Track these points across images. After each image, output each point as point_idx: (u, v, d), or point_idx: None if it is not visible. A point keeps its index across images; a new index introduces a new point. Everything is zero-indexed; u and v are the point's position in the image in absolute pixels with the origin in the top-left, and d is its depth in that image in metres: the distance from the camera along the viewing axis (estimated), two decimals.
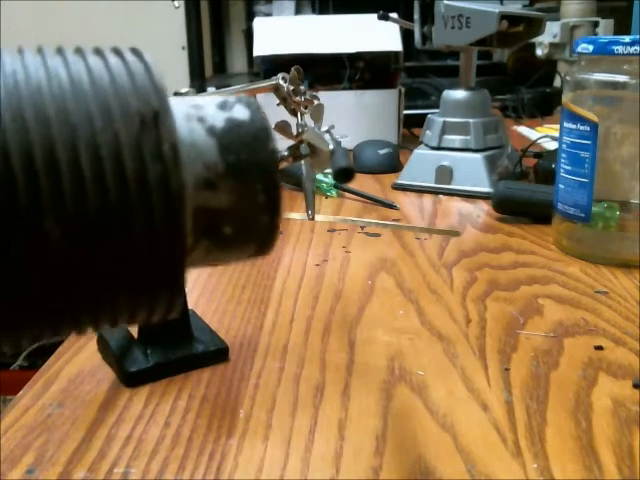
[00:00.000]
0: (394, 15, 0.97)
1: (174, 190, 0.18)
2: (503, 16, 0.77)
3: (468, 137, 0.83)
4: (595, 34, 1.47)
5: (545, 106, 1.51)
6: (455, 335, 0.44)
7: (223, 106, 0.21)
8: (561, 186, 0.60)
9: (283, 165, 0.48)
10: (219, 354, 0.41)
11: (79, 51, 0.20)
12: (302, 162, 0.51)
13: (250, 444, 0.33)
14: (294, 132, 0.52)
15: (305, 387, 0.38)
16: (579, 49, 0.57)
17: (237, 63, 2.55)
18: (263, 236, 0.22)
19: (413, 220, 0.73)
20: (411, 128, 1.23)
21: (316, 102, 0.60)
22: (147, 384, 0.38)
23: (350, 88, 1.14)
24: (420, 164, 0.85)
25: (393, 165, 0.97)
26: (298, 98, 0.61)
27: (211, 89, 1.49)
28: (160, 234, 0.18)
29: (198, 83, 1.82)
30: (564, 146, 0.59)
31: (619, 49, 0.53)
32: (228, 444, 0.33)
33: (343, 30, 1.16)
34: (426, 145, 0.87)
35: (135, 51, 0.20)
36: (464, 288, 0.52)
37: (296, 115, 0.60)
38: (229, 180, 0.20)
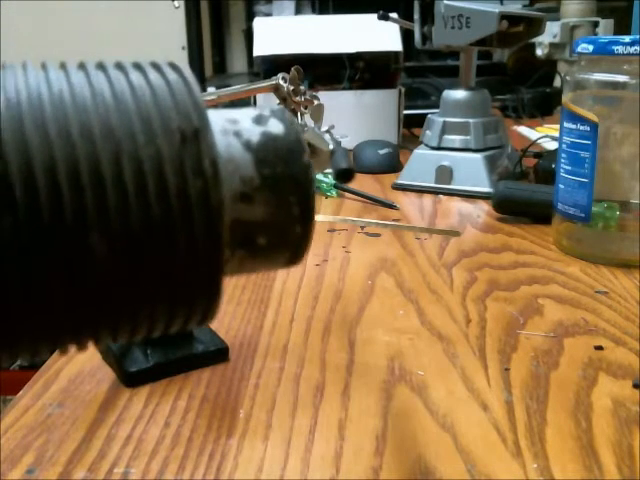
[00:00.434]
0: (394, 15, 0.97)
1: (214, 205, 0.19)
2: (503, 16, 0.77)
3: (468, 137, 0.83)
4: (595, 34, 1.47)
5: (545, 106, 1.51)
6: (455, 335, 0.44)
7: (258, 120, 0.22)
8: (561, 186, 0.60)
9: None
10: (219, 354, 0.41)
11: (120, 67, 0.20)
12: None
13: (250, 444, 0.33)
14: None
15: (305, 387, 0.38)
16: (579, 49, 0.57)
17: (237, 63, 2.55)
18: (296, 246, 0.22)
19: (413, 220, 0.73)
20: (411, 128, 1.23)
21: (316, 102, 0.61)
22: (147, 384, 0.38)
23: (350, 88, 1.14)
24: (420, 164, 0.85)
25: (393, 165, 0.97)
26: (298, 98, 0.61)
27: (211, 89, 1.49)
28: (200, 248, 0.19)
29: (198, 83, 1.82)
30: (564, 146, 0.59)
31: (619, 49, 0.53)
32: (228, 444, 0.33)
33: (343, 30, 1.16)
34: (426, 145, 0.87)
35: (174, 66, 0.21)
36: (464, 288, 0.52)
37: (296, 115, 0.60)
38: (264, 193, 0.21)
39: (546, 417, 0.35)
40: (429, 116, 0.88)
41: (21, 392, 0.38)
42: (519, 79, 1.59)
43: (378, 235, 0.67)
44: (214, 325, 0.44)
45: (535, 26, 0.82)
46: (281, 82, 0.60)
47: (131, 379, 0.38)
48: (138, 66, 0.20)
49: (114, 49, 1.73)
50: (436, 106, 0.90)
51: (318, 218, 0.72)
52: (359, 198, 0.81)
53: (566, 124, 0.59)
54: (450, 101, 0.86)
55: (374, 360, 0.41)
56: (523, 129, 1.34)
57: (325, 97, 0.64)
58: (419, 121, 0.96)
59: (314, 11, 2.15)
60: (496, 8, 0.78)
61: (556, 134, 0.66)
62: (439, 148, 0.85)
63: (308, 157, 0.22)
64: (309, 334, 0.45)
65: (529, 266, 0.57)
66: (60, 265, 0.17)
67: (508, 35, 0.80)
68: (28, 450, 0.32)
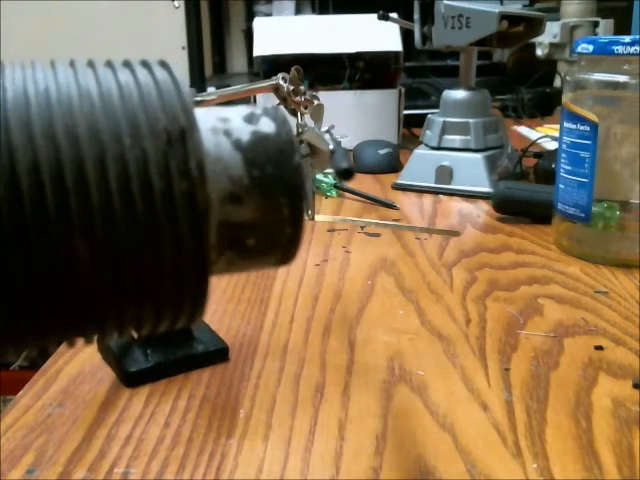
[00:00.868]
0: (394, 15, 0.97)
1: (200, 206, 0.18)
2: (503, 16, 0.77)
3: (468, 137, 0.83)
4: (595, 34, 1.47)
5: (545, 106, 1.51)
6: (455, 335, 0.44)
7: (250, 119, 0.21)
8: (561, 186, 0.60)
9: None
10: (219, 354, 0.41)
11: (109, 65, 0.20)
12: (302, 162, 0.51)
13: (250, 444, 0.33)
14: (295, 133, 0.52)
15: (305, 387, 0.38)
16: (579, 49, 0.57)
17: (237, 63, 2.55)
18: (286, 247, 0.22)
19: (413, 220, 0.73)
20: (411, 128, 1.23)
21: (316, 102, 0.61)
22: (147, 384, 0.38)
23: (350, 88, 1.14)
24: (420, 164, 0.85)
25: (393, 165, 0.97)
26: (298, 98, 0.61)
27: (211, 89, 1.49)
28: (185, 249, 0.19)
29: (198, 83, 1.82)
30: (564, 146, 0.59)
31: (619, 49, 0.53)
32: (228, 444, 0.33)
33: (343, 30, 1.16)
34: (426, 145, 0.87)
35: (164, 64, 0.20)
36: (464, 288, 0.52)
37: (296, 115, 0.60)
38: (254, 194, 0.20)
39: (546, 417, 0.35)
40: (429, 116, 0.88)
41: (21, 392, 0.38)
42: (519, 79, 1.59)
43: (378, 235, 0.67)
44: (214, 325, 0.44)
45: (535, 26, 0.82)
46: (281, 82, 0.60)
47: (131, 379, 0.38)
48: (128, 64, 0.20)
49: (114, 49, 1.73)
50: (436, 106, 0.90)
51: (318, 218, 0.72)
52: (359, 198, 0.81)
53: (566, 124, 0.59)
54: (450, 101, 0.86)
55: (374, 360, 0.41)
56: (523, 129, 1.34)
57: (325, 97, 0.64)
58: (419, 121, 0.96)
59: (314, 11, 2.15)
60: (496, 8, 0.78)
61: (556, 134, 0.66)
62: (439, 148, 0.85)
63: (300, 158, 0.21)
64: (309, 334, 0.45)
65: (529, 266, 0.57)
66: (43, 266, 0.17)
67: (508, 35, 0.80)
68: (28, 450, 0.32)
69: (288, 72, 0.60)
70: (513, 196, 0.70)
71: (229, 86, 0.69)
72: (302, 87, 0.61)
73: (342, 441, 0.33)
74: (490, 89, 0.88)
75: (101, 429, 0.34)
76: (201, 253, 0.19)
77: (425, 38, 0.87)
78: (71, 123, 0.18)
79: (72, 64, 0.20)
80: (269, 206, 0.21)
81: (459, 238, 0.66)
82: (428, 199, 0.82)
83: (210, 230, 0.19)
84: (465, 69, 0.87)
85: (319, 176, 0.82)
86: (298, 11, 2.20)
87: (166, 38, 1.91)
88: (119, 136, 0.18)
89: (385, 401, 0.36)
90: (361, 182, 0.90)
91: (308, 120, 0.60)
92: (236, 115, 0.22)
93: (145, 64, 0.20)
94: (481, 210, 0.76)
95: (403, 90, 1.15)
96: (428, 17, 0.85)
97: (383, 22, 0.96)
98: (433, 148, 0.85)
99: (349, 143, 0.97)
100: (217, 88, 1.03)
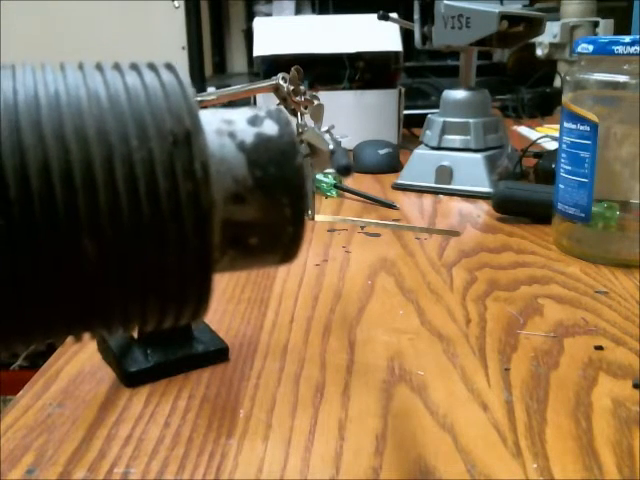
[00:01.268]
0: (394, 15, 0.97)
1: (204, 206, 0.19)
2: (503, 16, 0.77)
3: (468, 137, 0.83)
4: (595, 34, 1.47)
5: (545, 106, 1.51)
6: (455, 335, 0.44)
7: (254, 121, 0.22)
8: (561, 186, 0.60)
9: None
10: (219, 354, 0.41)
11: (117, 67, 0.21)
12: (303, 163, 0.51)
13: (250, 444, 0.33)
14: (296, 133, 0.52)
15: (305, 387, 0.38)
16: (579, 49, 0.57)
17: (237, 63, 2.55)
18: (288, 246, 0.23)
19: (413, 220, 0.73)
20: (411, 128, 1.23)
21: (316, 102, 0.61)
22: (147, 384, 0.38)
23: (350, 88, 1.14)
24: (420, 164, 0.85)
25: (393, 165, 0.97)
26: (298, 98, 0.61)
27: (211, 89, 1.49)
28: (190, 247, 0.19)
29: (198, 83, 1.82)
30: (564, 146, 0.59)
31: (619, 49, 0.53)
32: (228, 444, 0.33)
33: (343, 30, 1.16)
34: (426, 145, 0.87)
35: (170, 67, 0.21)
36: (464, 288, 0.52)
37: (296, 115, 0.60)
38: (257, 194, 0.21)
39: (546, 417, 0.35)
40: (429, 116, 0.88)
41: (21, 392, 0.38)
42: (519, 79, 1.59)
43: (378, 235, 0.67)
44: (214, 325, 0.44)
45: (535, 26, 0.82)
46: (281, 82, 0.60)
47: (131, 379, 0.38)
48: (135, 67, 0.21)
49: (114, 49, 1.73)
50: (436, 106, 0.90)
51: (318, 218, 0.72)
52: (359, 198, 0.81)
53: (566, 124, 0.59)
54: (450, 101, 0.86)
55: (374, 360, 0.41)
56: (523, 129, 1.34)
57: (325, 97, 0.64)
58: (419, 121, 0.96)
59: (314, 11, 2.15)
60: (496, 8, 0.78)
61: (556, 134, 0.66)
62: (439, 148, 0.85)
63: (301, 159, 0.22)
64: (309, 334, 0.45)
65: (529, 266, 0.57)
66: (52, 263, 0.18)
67: (508, 35, 0.80)
68: (28, 450, 0.32)
69: (288, 72, 0.60)
70: (513, 196, 0.70)
71: (229, 86, 0.69)
72: (302, 87, 0.61)
73: (342, 441, 0.33)
74: (490, 89, 0.88)
75: (101, 429, 0.34)
76: (205, 251, 0.19)
77: (425, 38, 0.87)
78: (80, 124, 0.18)
79: (81, 67, 0.20)
80: (271, 206, 0.21)
81: (459, 238, 0.66)
82: (428, 199, 0.82)
83: (214, 229, 0.20)
84: (465, 69, 0.87)
85: (319, 176, 0.82)
86: (298, 11, 2.20)
87: (166, 38, 1.90)
88: (126, 137, 0.18)
89: (385, 401, 0.36)
90: (361, 182, 0.90)
91: (308, 120, 0.60)
92: (240, 117, 0.22)
93: (152, 67, 0.21)
94: (481, 210, 0.76)
95: (403, 90, 1.15)
96: (428, 17, 0.85)
97: (383, 22, 0.95)
98: (433, 148, 0.85)
99: (349, 143, 0.97)
100: (217, 88, 1.03)
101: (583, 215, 0.57)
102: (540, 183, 0.80)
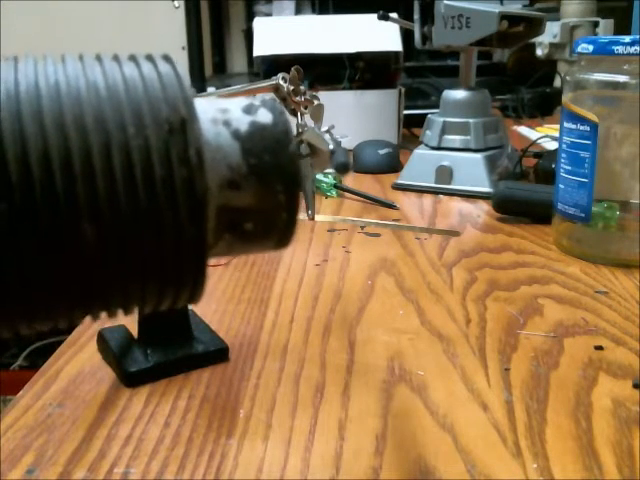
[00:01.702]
0: (394, 15, 0.97)
1: (198, 192, 0.20)
2: (503, 16, 0.77)
3: (468, 137, 0.83)
4: (595, 34, 1.47)
5: (545, 106, 1.51)
6: (455, 335, 0.44)
7: (248, 110, 0.23)
8: (561, 186, 0.60)
9: None
10: (219, 354, 0.41)
11: (116, 59, 0.21)
12: (302, 162, 0.51)
13: (250, 444, 0.33)
14: (294, 132, 0.52)
15: (305, 387, 0.38)
16: (579, 49, 0.57)
17: (237, 63, 2.55)
18: (282, 232, 0.23)
19: (413, 220, 0.73)
20: (411, 128, 1.23)
21: (316, 102, 0.61)
22: (147, 384, 0.38)
23: (350, 88, 1.14)
24: (420, 164, 0.85)
25: (393, 165, 0.97)
26: (298, 98, 0.61)
27: (211, 89, 1.49)
28: (185, 232, 0.20)
29: (198, 83, 1.82)
30: (564, 146, 0.59)
31: (619, 49, 0.53)
32: (228, 444, 0.33)
33: (343, 30, 1.16)
34: (426, 145, 0.87)
35: (167, 58, 0.22)
36: (464, 288, 0.52)
37: (296, 115, 0.60)
38: (251, 181, 0.22)
39: (546, 417, 0.35)
40: (429, 116, 0.88)
41: (21, 392, 0.38)
42: (519, 79, 1.59)
43: (378, 235, 0.67)
44: (214, 325, 0.45)
45: (535, 26, 0.82)
46: (281, 82, 0.60)
47: (131, 379, 0.38)
48: (133, 58, 0.22)
49: (114, 49, 1.72)
50: (436, 106, 0.90)
51: (318, 218, 0.72)
52: (359, 198, 0.81)
53: (566, 124, 0.59)
54: (450, 101, 0.86)
55: (374, 360, 0.41)
56: (523, 129, 1.34)
57: (325, 97, 0.64)
58: (419, 121, 0.96)
59: (314, 11, 2.15)
60: (496, 8, 0.78)
61: (556, 134, 0.66)
62: (439, 148, 0.85)
63: (295, 146, 0.22)
64: (309, 334, 0.45)
65: (529, 266, 0.57)
66: (53, 247, 0.18)
67: (508, 35, 0.80)
68: (28, 450, 0.32)
69: (288, 72, 0.60)
70: (513, 196, 0.70)
71: (229, 86, 0.69)
72: (302, 87, 0.61)
73: (342, 441, 0.33)
74: (490, 89, 0.88)
75: (101, 429, 0.34)
76: (200, 235, 0.20)
77: (425, 38, 0.87)
78: (79, 113, 0.19)
79: (81, 58, 0.21)
80: (266, 192, 0.22)
81: (459, 238, 0.66)
82: (428, 199, 0.82)
83: (209, 215, 0.21)
84: (465, 69, 0.87)
85: (319, 176, 0.82)
86: (298, 11, 2.20)
87: (166, 38, 1.90)
88: (124, 125, 0.19)
89: (385, 401, 0.36)
90: (361, 182, 0.90)
91: (308, 120, 0.60)
92: (235, 106, 0.23)
93: (149, 58, 0.22)
94: (481, 210, 0.76)
95: (403, 90, 1.15)
96: (428, 17, 0.85)
97: (383, 22, 0.95)
98: (433, 148, 0.85)
99: (349, 143, 0.97)
100: (217, 88, 1.03)
101: (583, 215, 0.57)
102: (540, 183, 0.80)
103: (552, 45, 1.53)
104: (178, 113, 0.20)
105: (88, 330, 0.45)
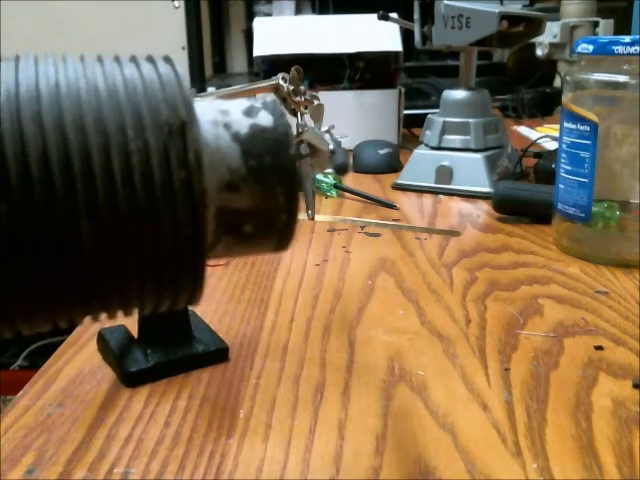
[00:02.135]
0: (394, 15, 0.97)
1: (197, 194, 0.20)
2: (503, 16, 0.77)
3: (468, 137, 0.83)
4: (595, 34, 1.47)
5: (545, 106, 1.51)
6: (455, 335, 0.44)
7: (249, 112, 0.23)
8: (561, 186, 0.60)
9: None
10: (219, 354, 0.41)
11: (116, 60, 0.21)
12: (302, 162, 0.51)
13: (250, 444, 0.33)
14: (294, 132, 0.52)
15: (305, 387, 0.38)
16: (579, 49, 0.57)
17: (237, 63, 2.55)
18: (282, 233, 0.23)
19: (413, 220, 0.73)
20: (411, 128, 1.23)
21: (316, 102, 0.60)
22: (147, 384, 0.38)
23: (350, 88, 1.14)
24: (420, 164, 0.85)
25: (393, 165, 0.97)
26: (298, 98, 0.61)
27: (211, 89, 1.49)
28: (183, 233, 0.20)
29: (198, 83, 1.82)
30: (564, 146, 0.59)
31: (619, 49, 0.53)
32: (228, 444, 0.33)
33: (343, 30, 1.16)
34: (426, 145, 0.87)
35: (168, 60, 0.22)
36: (464, 288, 0.52)
37: (296, 115, 0.60)
38: (251, 183, 0.22)
39: (546, 417, 0.35)
40: (429, 116, 0.88)
41: (21, 392, 0.38)
42: (519, 79, 1.59)
43: (378, 235, 0.67)
44: (214, 325, 0.45)
45: (535, 26, 0.82)
46: (281, 82, 0.60)
47: (131, 379, 0.38)
48: (134, 59, 0.22)
49: (114, 49, 1.72)
50: (436, 106, 0.90)
51: (318, 218, 0.72)
52: (359, 198, 0.81)
53: (566, 124, 0.59)
54: (450, 101, 0.86)
55: (374, 360, 0.41)
56: (523, 129, 1.34)
57: (325, 97, 0.64)
58: (419, 121, 0.96)
59: (314, 11, 2.15)
60: (496, 8, 0.78)
61: (556, 134, 0.66)
62: (439, 148, 0.85)
63: (295, 148, 0.22)
64: (309, 334, 0.45)
65: (529, 266, 0.57)
66: (52, 246, 0.18)
67: (508, 35, 0.80)
68: (28, 450, 0.32)
69: (288, 72, 0.60)
70: (513, 196, 0.70)
71: (229, 86, 0.69)
72: (302, 87, 0.61)
73: (342, 441, 0.33)
74: (490, 89, 0.88)
75: (101, 429, 0.34)
76: (198, 237, 0.20)
77: (425, 38, 0.87)
78: (79, 115, 0.19)
79: (82, 59, 0.21)
80: (265, 194, 0.22)
81: (459, 238, 0.66)
82: (428, 199, 0.82)
83: (208, 216, 0.21)
84: (465, 69, 0.87)
85: (319, 176, 0.82)
86: (298, 11, 2.20)
87: (166, 38, 1.90)
88: (123, 127, 0.19)
89: (385, 401, 0.36)
90: (361, 182, 0.90)
91: (308, 120, 0.60)
92: (236, 108, 0.23)
93: (150, 59, 0.22)
94: (481, 210, 0.76)
95: (403, 90, 1.15)
96: (428, 17, 0.85)
97: (383, 22, 0.95)
98: (433, 148, 0.85)
99: (349, 143, 0.97)
100: (217, 88, 1.03)
101: (583, 215, 0.57)
102: (540, 183, 0.80)
103: (552, 45, 1.53)
104: (178, 116, 0.20)
105: (88, 330, 0.45)
